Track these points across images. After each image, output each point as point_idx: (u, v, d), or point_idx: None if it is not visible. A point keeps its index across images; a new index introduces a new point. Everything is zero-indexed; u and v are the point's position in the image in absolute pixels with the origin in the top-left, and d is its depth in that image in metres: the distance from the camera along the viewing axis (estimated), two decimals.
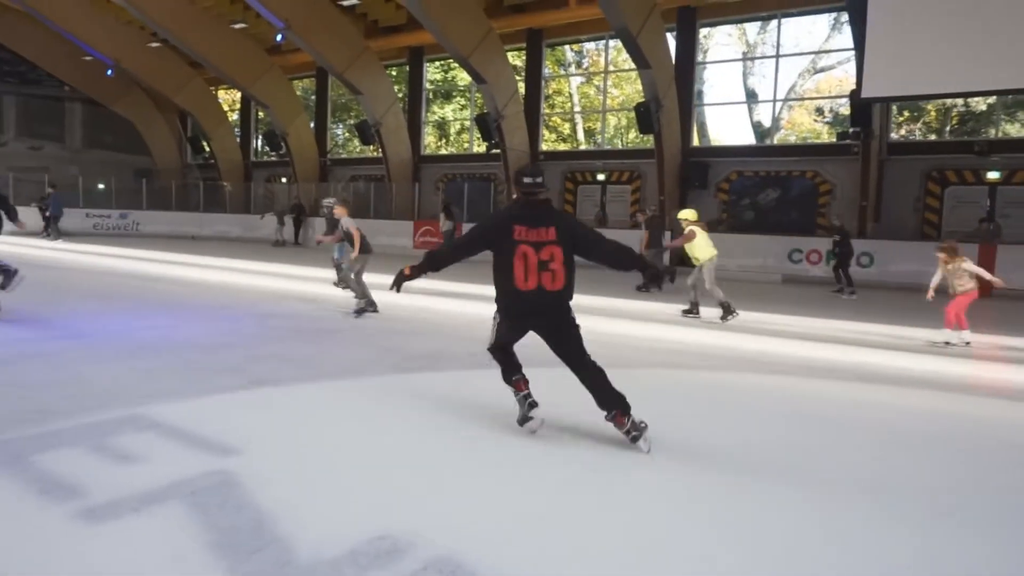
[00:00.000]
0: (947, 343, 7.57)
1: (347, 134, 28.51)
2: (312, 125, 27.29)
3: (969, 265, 7.75)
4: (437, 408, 4.53)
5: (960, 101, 17.48)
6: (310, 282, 12.13)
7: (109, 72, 25.60)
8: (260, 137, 29.81)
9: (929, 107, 18.33)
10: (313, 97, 28.24)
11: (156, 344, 6.19)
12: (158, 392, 4.59)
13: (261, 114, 29.07)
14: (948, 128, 18.27)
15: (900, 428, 4.49)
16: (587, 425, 4.05)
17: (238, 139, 29.88)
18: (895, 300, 11.56)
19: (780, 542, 2.82)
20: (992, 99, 16.81)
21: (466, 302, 9.91)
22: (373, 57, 22.69)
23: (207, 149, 28.51)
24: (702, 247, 9.09)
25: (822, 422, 4.56)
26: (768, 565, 2.63)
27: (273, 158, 28.26)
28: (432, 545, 2.64)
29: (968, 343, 7.53)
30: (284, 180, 27.86)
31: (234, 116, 31.10)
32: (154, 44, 25.46)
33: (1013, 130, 17.09)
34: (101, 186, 28.52)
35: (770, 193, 18.43)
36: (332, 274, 11.11)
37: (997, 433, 4.49)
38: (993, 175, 15.85)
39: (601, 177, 21.08)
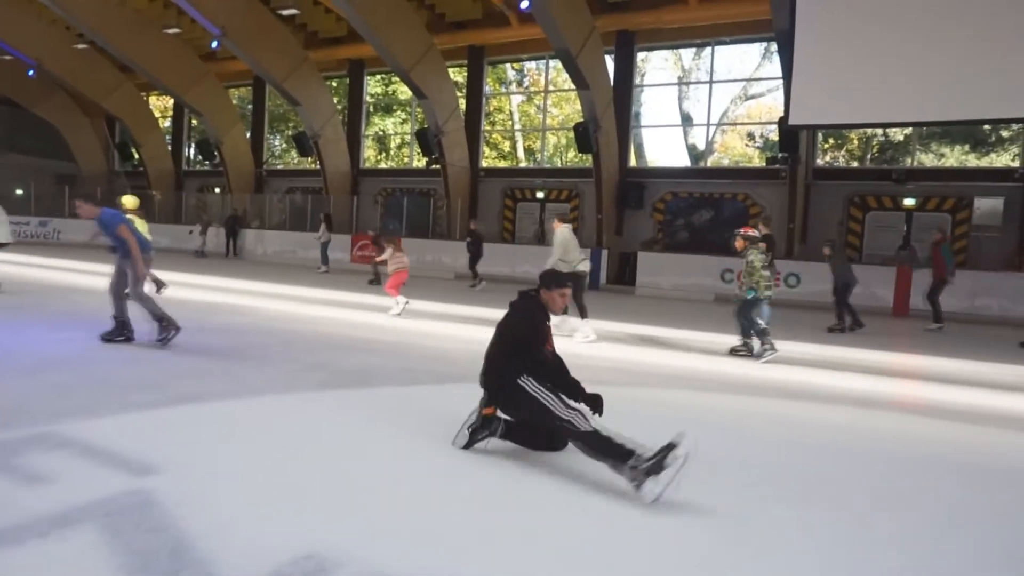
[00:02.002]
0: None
1: (285, 145, 28.03)
2: (248, 135, 26.72)
3: None
4: (366, 424, 4.45)
5: (880, 131, 18.40)
6: (241, 295, 11.82)
7: (31, 73, 24.54)
8: (193, 145, 29.02)
9: (852, 136, 19.23)
10: (250, 106, 27.69)
11: (71, 358, 5.91)
12: (71, 409, 4.37)
13: (195, 122, 28.32)
14: (869, 156, 19.20)
15: (809, 438, 4.64)
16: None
17: (169, 147, 29.01)
18: (820, 320, 11.98)
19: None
20: (909, 130, 17.75)
21: (402, 320, 9.81)
22: (313, 68, 22.43)
23: (136, 156, 27.58)
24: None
25: (739, 433, 4.68)
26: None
27: (206, 167, 27.54)
28: (361, 563, 2.58)
29: None
30: (218, 190, 27.16)
31: (166, 123, 30.23)
32: (81, 45, 24.57)
33: (927, 160, 18.06)
34: (19, 192, 27.21)
35: (704, 214, 18.96)
36: (255, 286, 10.82)
37: (905, 446, 4.69)
38: (909, 202, 16.71)
39: (540, 195, 21.30)
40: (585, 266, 8.97)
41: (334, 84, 25.35)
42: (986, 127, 17.47)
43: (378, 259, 12.25)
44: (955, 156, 18.04)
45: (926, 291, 11.93)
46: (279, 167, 27.78)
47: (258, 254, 23.05)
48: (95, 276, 14.03)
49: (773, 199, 17.88)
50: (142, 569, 2.47)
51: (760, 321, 7.93)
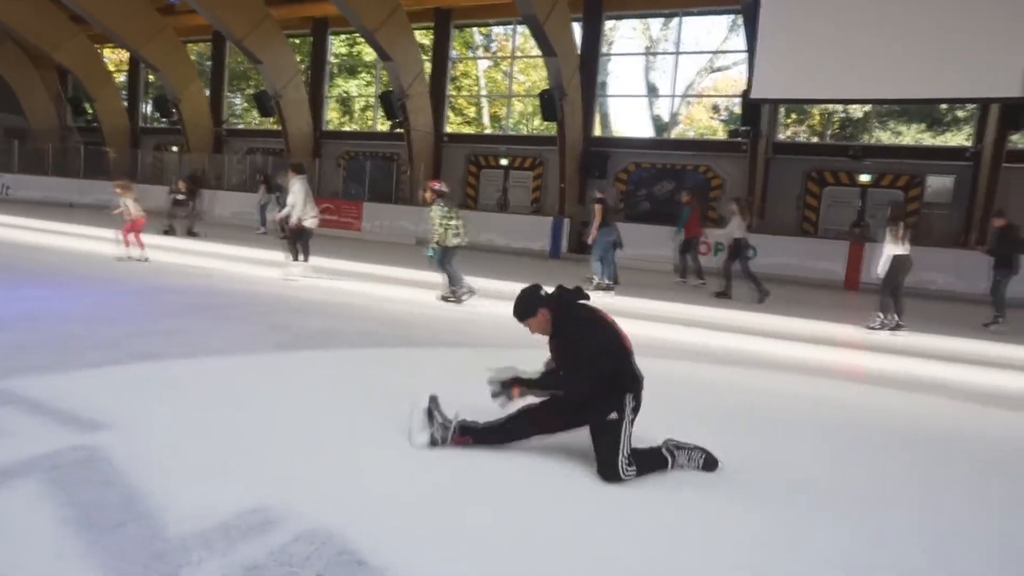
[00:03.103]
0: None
1: (245, 104, 27.38)
2: (207, 92, 26.02)
3: None
4: (322, 386, 4.52)
5: (840, 107, 18.69)
6: (204, 257, 11.67)
7: None
8: (150, 102, 28.18)
9: (813, 111, 19.50)
10: (209, 63, 26.92)
11: (27, 317, 5.83)
12: (24, 366, 4.35)
13: (151, 77, 27.45)
14: (829, 132, 19.52)
15: (772, 408, 4.84)
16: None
17: (125, 103, 28.12)
18: (777, 292, 12.26)
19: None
20: (868, 108, 18.07)
21: (363, 283, 9.82)
22: (275, 26, 21.83)
23: (90, 111, 26.68)
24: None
25: (693, 404, 4.86)
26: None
27: (164, 125, 26.80)
28: (305, 518, 2.67)
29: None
30: (175, 149, 26.49)
31: (121, 78, 29.25)
32: None
33: (884, 137, 18.44)
34: None
35: (665, 185, 19.14)
36: (218, 247, 10.70)
37: (853, 416, 4.91)
38: (865, 178, 17.08)
39: (504, 162, 21.24)
40: (313, 223, 9.78)
41: (297, 42, 24.77)
42: (942, 107, 17.88)
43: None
44: (911, 134, 18.45)
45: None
46: (240, 127, 27.17)
47: (216, 215, 22.63)
48: (51, 234, 13.71)
49: (734, 172, 18.12)
50: (87, 521, 2.52)
51: (456, 272, 8.63)
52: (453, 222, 8.42)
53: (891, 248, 8.74)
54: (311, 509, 2.75)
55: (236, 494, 2.84)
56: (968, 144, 16.75)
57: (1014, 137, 15.51)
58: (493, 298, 8.88)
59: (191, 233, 15.43)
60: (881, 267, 8.78)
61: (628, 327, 3.64)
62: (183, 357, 4.95)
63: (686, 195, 13.16)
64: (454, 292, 8.62)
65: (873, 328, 8.76)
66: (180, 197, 15.62)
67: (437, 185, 8.63)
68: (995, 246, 10.00)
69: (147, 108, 28.84)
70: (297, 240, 9.83)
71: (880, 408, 5.11)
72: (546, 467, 3.40)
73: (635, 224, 17.85)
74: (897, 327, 8.73)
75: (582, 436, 3.43)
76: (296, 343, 5.68)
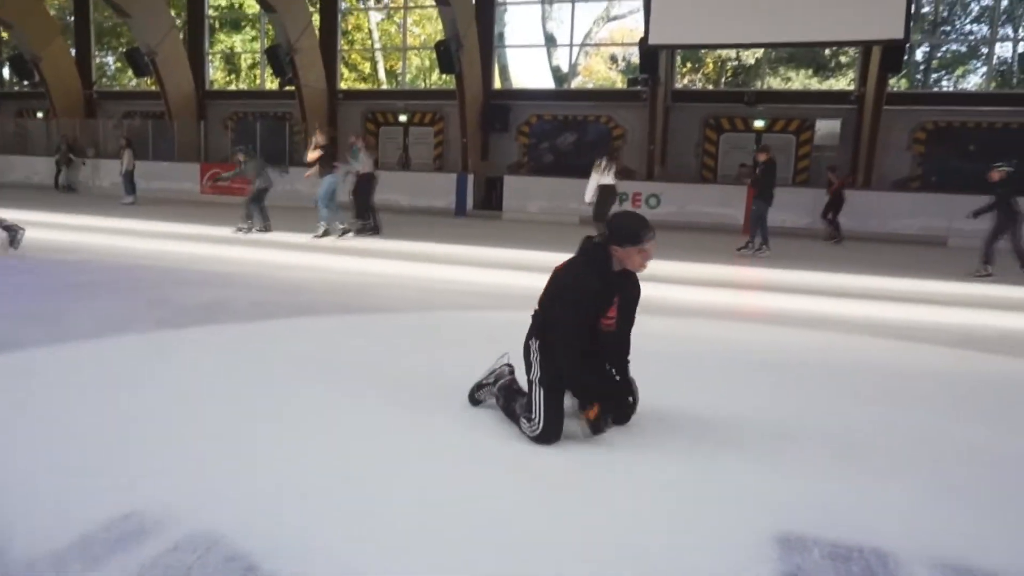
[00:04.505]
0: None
1: (119, 64, 25.25)
2: (73, 51, 23.80)
3: None
4: (207, 368, 4.09)
5: (733, 54, 18.99)
6: (72, 231, 10.68)
7: None
8: (6, 63, 25.55)
9: (707, 59, 19.74)
10: (72, 18, 24.58)
11: None
12: None
13: (4, 34, 24.84)
14: (723, 80, 19.84)
15: (681, 352, 4.78)
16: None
17: None
18: (679, 239, 12.42)
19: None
20: (759, 54, 18.44)
21: (252, 248, 9.22)
22: None
23: None
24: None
25: None
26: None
27: (26, 89, 24.39)
28: (187, 521, 2.33)
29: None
30: (40, 115, 24.22)
31: None
32: None
33: (775, 83, 18.90)
34: None
35: (568, 137, 19.02)
36: (91, 220, 9.82)
37: (748, 354, 4.92)
38: (759, 123, 17.50)
39: (403, 118, 20.54)
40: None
41: None
42: (827, 52, 18.45)
43: None
44: (800, 80, 18.99)
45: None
46: (115, 89, 25.08)
47: (93, 186, 20.94)
48: None
49: (635, 122, 18.17)
50: None
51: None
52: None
53: (596, 179, 10.18)
54: (194, 510, 2.41)
55: (102, 497, 2.47)
56: (851, 88, 17.39)
57: (892, 80, 16.20)
58: (399, 259, 8.52)
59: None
60: (588, 195, 10.26)
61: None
62: (44, 344, 4.39)
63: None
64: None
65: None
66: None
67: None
68: (760, 179, 10.74)
69: (3, 70, 26.17)
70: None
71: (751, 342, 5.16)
72: (470, 450, 3.18)
73: (541, 177, 17.71)
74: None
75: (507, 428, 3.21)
76: (179, 319, 5.19)
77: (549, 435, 3.07)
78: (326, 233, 10.51)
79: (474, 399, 3.53)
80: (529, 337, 3.23)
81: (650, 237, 2.99)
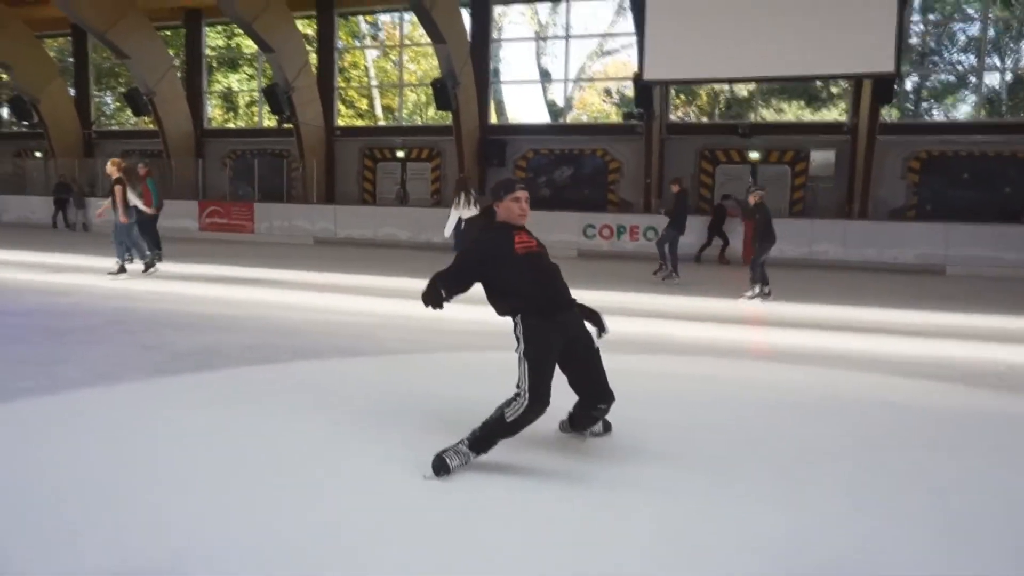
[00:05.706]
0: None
1: (117, 103, 25.46)
2: (72, 92, 24.01)
3: None
4: (203, 415, 4.01)
5: (727, 87, 19.19)
6: (66, 273, 10.64)
7: None
8: (5, 104, 25.76)
9: (701, 92, 19.94)
10: (71, 60, 24.83)
11: None
12: None
13: (4, 76, 25.08)
14: (717, 112, 20.03)
15: (662, 388, 4.70)
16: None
17: None
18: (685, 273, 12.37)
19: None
20: (752, 86, 18.64)
21: (242, 287, 9.17)
22: (141, 17, 20.32)
23: None
24: None
25: None
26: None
27: (24, 129, 24.56)
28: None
29: None
30: (39, 154, 24.36)
31: None
32: None
33: (768, 115, 19.09)
34: None
35: (565, 170, 19.13)
36: (85, 261, 9.76)
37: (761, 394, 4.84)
38: (754, 155, 17.62)
39: (401, 154, 20.67)
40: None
41: (168, 34, 23.20)
42: (818, 84, 18.65)
43: None
44: (792, 111, 19.17)
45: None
46: (112, 128, 25.26)
47: (94, 224, 20.93)
48: None
49: (630, 155, 18.29)
50: None
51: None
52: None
53: (457, 212, 10.60)
54: (201, 565, 2.33)
55: (95, 556, 2.38)
56: (844, 119, 17.54)
57: (884, 111, 16.35)
58: (396, 297, 8.47)
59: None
60: (448, 228, 10.65)
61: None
62: (35, 393, 4.30)
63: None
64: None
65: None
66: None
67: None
68: (673, 208, 11.19)
69: (3, 111, 26.38)
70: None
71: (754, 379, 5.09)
72: (483, 504, 3.09)
73: (537, 211, 17.74)
74: None
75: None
76: (175, 366, 5.10)
77: (535, 402, 3.07)
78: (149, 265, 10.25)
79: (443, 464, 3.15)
80: (503, 314, 3.42)
81: (521, 187, 3.50)
